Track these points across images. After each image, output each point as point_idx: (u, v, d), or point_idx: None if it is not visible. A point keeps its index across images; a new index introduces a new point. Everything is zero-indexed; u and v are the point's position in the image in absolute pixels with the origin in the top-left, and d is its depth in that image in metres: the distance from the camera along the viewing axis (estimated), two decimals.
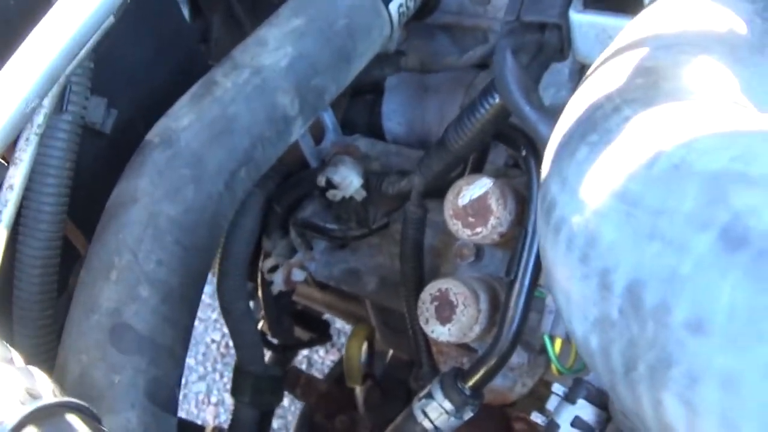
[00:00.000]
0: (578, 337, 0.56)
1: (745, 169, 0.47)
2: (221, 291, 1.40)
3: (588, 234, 0.52)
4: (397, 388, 1.62)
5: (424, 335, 1.27)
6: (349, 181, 1.31)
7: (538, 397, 1.21)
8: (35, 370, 0.72)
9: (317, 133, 1.41)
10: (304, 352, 2.72)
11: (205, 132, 1.05)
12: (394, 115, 1.45)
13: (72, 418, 0.67)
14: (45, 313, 1.13)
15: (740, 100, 0.56)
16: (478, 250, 1.21)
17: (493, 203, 1.10)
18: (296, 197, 1.41)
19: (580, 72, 1.22)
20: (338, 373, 1.81)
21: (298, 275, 1.44)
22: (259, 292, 1.54)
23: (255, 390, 1.50)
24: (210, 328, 2.92)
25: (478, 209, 1.11)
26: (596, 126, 0.56)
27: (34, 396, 0.68)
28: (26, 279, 1.11)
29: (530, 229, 1.08)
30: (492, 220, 1.10)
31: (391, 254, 1.37)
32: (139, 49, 1.24)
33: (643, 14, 0.69)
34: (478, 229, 1.11)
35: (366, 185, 1.32)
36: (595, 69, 0.65)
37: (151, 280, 0.98)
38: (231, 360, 2.85)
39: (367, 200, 1.34)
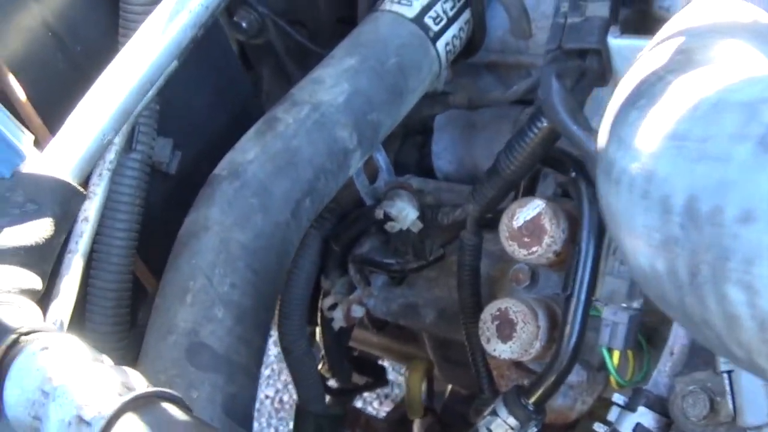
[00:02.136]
0: (645, 269, 0.61)
1: None
2: (282, 332, 1.44)
3: (646, 173, 0.59)
4: (457, 422, 1.64)
5: (485, 360, 1.30)
6: (405, 213, 1.36)
7: (597, 417, 1.23)
8: (128, 369, 0.77)
9: (371, 173, 1.46)
10: (359, 404, 2.73)
11: (270, 164, 1.11)
12: (444, 154, 1.50)
13: (166, 406, 0.72)
14: (119, 344, 1.18)
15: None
16: (534, 274, 1.25)
17: (547, 223, 1.14)
18: (354, 235, 1.45)
19: None
20: (397, 417, 1.84)
21: (358, 311, 1.47)
22: (319, 333, 1.58)
23: (317, 430, 1.53)
24: (264, 384, 2.95)
25: (533, 229, 1.15)
26: (643, 93, 0.64)
27: (129, 389, 0.73)
28: (99, 311, 1.16)
29: (584, 246, 1.12)
30: (546, 239, 1.14)
31: (449, 287, 1.40)
32: (200, 96, 1.32)
33: (678, 15, 0.76)
34: (534, 249, 1.15)
35: (422, 217, 1.37)
36: (639, 59, 0.71)
37: (225, 302, 1.03)
38: (285, 415, 2.88)
39: (423, 232, 1.38)
